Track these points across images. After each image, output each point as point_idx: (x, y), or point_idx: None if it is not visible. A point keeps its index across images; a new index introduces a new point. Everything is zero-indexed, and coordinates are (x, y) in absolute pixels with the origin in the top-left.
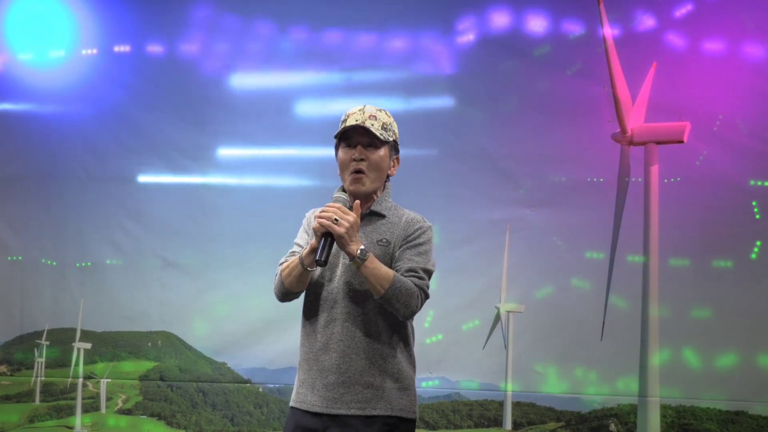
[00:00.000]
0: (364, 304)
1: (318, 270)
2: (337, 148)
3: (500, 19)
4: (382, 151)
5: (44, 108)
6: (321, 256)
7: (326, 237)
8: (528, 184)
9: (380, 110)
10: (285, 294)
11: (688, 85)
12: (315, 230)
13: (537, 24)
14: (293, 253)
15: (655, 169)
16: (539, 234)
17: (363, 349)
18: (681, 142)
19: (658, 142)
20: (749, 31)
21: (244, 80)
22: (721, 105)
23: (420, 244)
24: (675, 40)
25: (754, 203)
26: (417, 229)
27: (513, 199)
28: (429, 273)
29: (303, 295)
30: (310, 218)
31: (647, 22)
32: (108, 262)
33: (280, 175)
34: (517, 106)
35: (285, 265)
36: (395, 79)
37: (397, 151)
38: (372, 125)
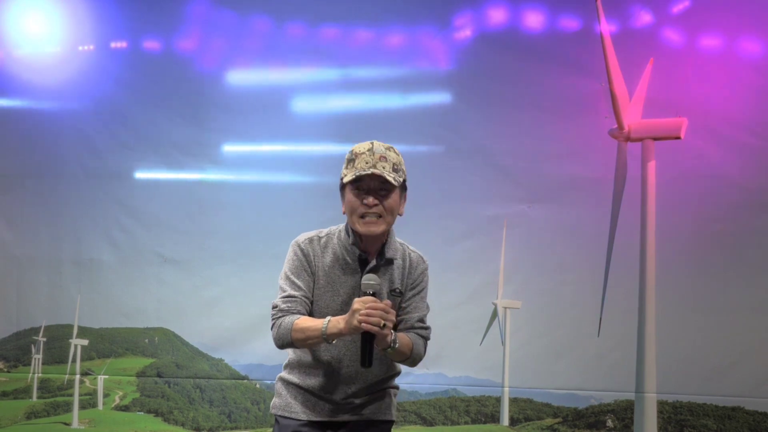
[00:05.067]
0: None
1: (328, 296)
2: (342, 188)
3: (497, 15)
4: (395, 194)
5: (40, 104)
6: (367, 360)
7: (367, 337)
8: (525, 180)
9: (389, 148)
10: (287, 346)
11: (685, 82)
12: (357, 328)
13: (534, 20)
14: (292, 297)
15: (652, 165)
16: (536, 230)
17: (379, 358)
18: (678, 138)
19: (655, 138)
20: (747, 27)
21: (241, 77)
22: (718, 101)
23: (423, 289)
24: (672, 36)
25: (751, 199)
26: (420, 274)
27: (510, 195)
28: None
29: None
30: (307, 251)
31: (644, 18)
32: (105, 259)
33: (277, 172)
34: (514, 102)
35: (299, 327)
36: (392, 75)
37: (405, 189)
38: (384, 168)
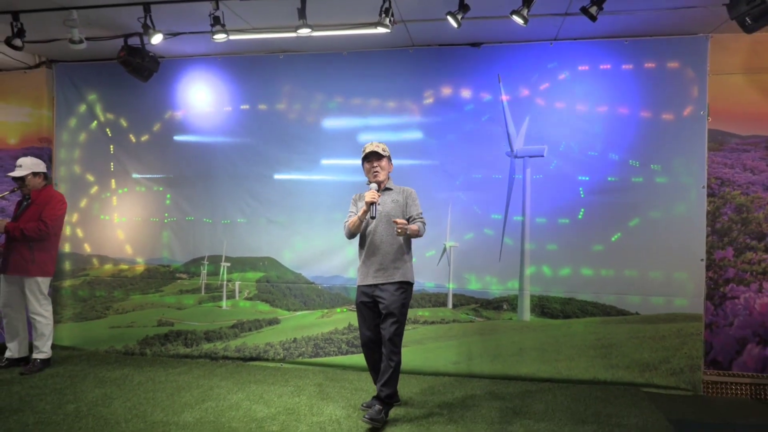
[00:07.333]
0: (391, 233)
1: (368, 223)
2: (363, 163)
3: (446, 90)
4: (384, 161)
5: (205, 140)
6: (373, 214)
7: (372, 205)
8: (461, 178)
9: (380, 143)
10: (352, 235)
11: (546, 126)
12: (367, 203)
13: (466, 93)
14: (350, 214)
15: (528, 171)
16: (467, 205)
17: (392, 253)
18: (542, 156)
19: (531, 156)
20: (579, 97)
21: (322, 123)
22: (565, 137)
23: (415, 200)
24: (540, 102)
25: (580, 189)
26: (411, 193)
27: (452, 186)
28: (421, 213)
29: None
30: (356, 198)
31: (524, 92)
32: (239, 220)
33: (332, 176)
34: (456, 138)
35: (351, 221)
36: (390, 122)
37: (390, 160)
38: (376, 147)
